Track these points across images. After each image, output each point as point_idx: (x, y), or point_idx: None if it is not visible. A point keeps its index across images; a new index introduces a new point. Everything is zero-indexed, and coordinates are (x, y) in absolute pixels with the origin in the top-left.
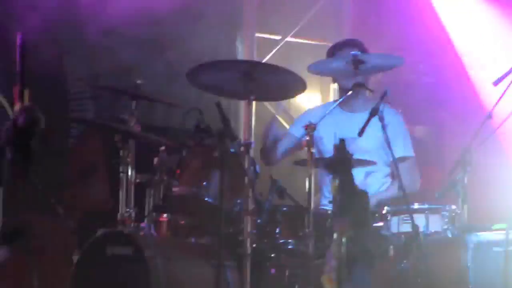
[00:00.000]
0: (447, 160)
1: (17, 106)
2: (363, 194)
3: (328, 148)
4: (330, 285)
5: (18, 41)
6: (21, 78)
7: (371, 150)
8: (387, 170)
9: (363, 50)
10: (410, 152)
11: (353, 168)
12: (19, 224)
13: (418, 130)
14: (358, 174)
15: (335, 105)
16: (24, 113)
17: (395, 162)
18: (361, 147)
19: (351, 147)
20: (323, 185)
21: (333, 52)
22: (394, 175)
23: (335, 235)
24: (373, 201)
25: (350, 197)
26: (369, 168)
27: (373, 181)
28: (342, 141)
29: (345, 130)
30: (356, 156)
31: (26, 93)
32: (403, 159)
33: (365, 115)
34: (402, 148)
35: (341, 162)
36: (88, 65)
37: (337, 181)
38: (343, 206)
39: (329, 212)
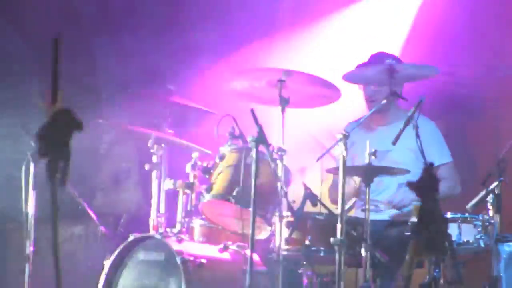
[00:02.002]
0: (480, 170)
1: (52, 108)
2: (444, 220)
3: (361, 159)
4: None
5: (52, 44)
6: (53, 80)
7: (404, 162)
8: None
9: (397, 60)
10: (447, 158)
11: (386, 176)
12: None
13: None
14: (390, 185)
15: (367, 115)
16: (62, 113)
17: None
18: (394, 160)
19: (383, 160)
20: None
21: (374, 60)
22: None
23: (407, 257)
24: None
25: (430, 221)
26: (401, 179)
27: (406, 193)
28: (431, 165)
29: (381, 143)
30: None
31: (60, 95)
32: (439, 167)
33: (399, 126)
34: (438, 157)
35: (427, 186)
36: (121, 70)
37: (419, 203)
38: (421, 230)
39: (362, 220)
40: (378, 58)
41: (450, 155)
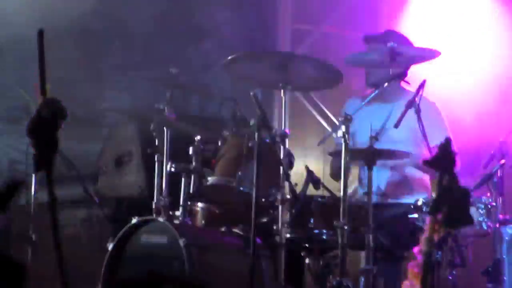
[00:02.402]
0: (483, 153)
1: (40, 99)
2: (465, 193)
3: (363, 140)
4: (416, 279)
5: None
6: (41, 73)
7: (403, 140)
8: (418, 160)
9: (401, 41)
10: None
11: (387, 159)
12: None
13: None
14: (384, 166)
15: (370, 97)
16: (47, 105)
17: (430, 152)
18: (393, 138)
19: (381, 138)
20: (361, 176)
21: (369, 41)
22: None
23: (426, 233)
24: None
25: (449, 194)
26: (398, 160)
27: (407, 171)
28: (447, 140)
29: (380, 121)
30: (387, 146)
31: (48, 87)
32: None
33: (399, 105)
34: (438, 137)
35: (445, 161)
36: (124, 54)
37: (437, 179)
38: (440, 204)
39: (365, 203)
40: (378, 37)
41: (447, 131)
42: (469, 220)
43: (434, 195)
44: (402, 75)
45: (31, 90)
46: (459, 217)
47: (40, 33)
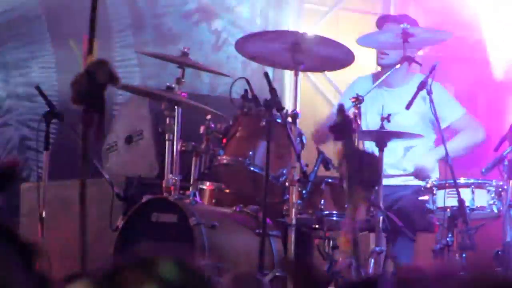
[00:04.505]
0: (493, 135)
1: (90, 58)
2: (371, 155)
3: (370, 123)
4: (347, 246)
5: None
6: (91, 27)
7: (410, 126)
8: (428, 144)
9: (412, 24)
10: (459, 112)
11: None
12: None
13: None
14: (397, 150)
15: (380, 79)
16: (99, 66)
17: (442, 135)
18: (400, 124)
19: (389, 122)
20: None
21: (381, 23)
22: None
23: (348, 199)
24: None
25: (359, 160)
26: (407, 144)
27: (413, 156)
28: (341, 106)
29: (386, 106)
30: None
31: (95, 44)
32: (454, 123)
33: (405, 89)
34: (450, 114)
35: (343, 127)
36: (134, 32)
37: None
38: (352, 171)
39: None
40: (389, 18)
41: (460, 106)
42: (377, 181)
43: (338, 162)
44: (409, 58)
45: (79, 42)
46: (368, 178)
47: None
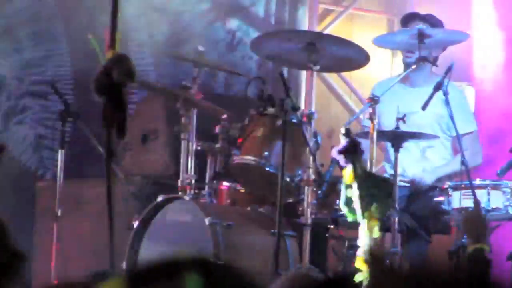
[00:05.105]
0: (510, 136)
1: (109, 53)
2: (386, 180)
3: (388, 122)
4: (363, 266)
5: None
6: (113, 19)
7: (426, 125)
8: (445, 144)
9: (434, 23)
10: (472, 127)
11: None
12: None
13: None
14: (414, 150)
15: (397, 79)
16: (117, 63)
17: (458, 137)
18: (416, 123)
19: (406, 123)
20: (385, 157)
21: (407, 21)
22: (456, 150)
23: (362, 225)
24: (432, 176)
25: (372, 183)
26: (425, 144)
27: (432, 156)
28: (348, 130)
29: (405, 105)
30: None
31: (118, 37)
32: (463, 135)
33: (426, 90)
34: (463, 125)
35: (352, 149)
36: (149, 31)
37: (351, 168)
38: (367, 193)
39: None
40: (409, 19)
41: (475, 124)
42: (391, 206)
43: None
44: (425, 59)
45: (100, 35)
46: (383, 205)
47: None
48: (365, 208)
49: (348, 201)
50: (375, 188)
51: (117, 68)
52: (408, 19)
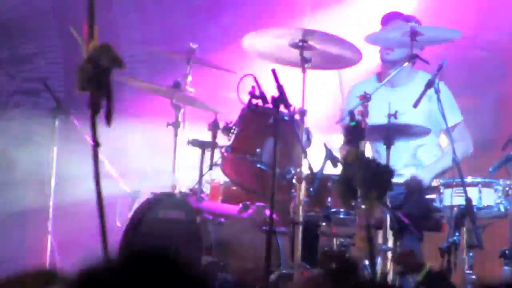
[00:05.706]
0: (501, 135)
1: (92, 44)
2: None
3: (374, 121)
4: (362, 243)
5: None
6: (90, 15)
7: (418, 124)
8: (435, 142)
9: (416, 22)
10: (458, 117)
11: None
12: None
13: None
14: (409, 147)
15: (389, 77)
16: (103, 52)
17: (449, 133)
18: (406, 123)
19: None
20: (374, 154)
21: (387, 20)
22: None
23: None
24: (426, 173)
25: (375, 164)
26: (419, 141)
27: (424, 154)
28: (352, 112)
29: (391, 107)
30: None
31: (96, 30)
32: (453, 128)
33: (407, 89)
34: (451, 116)
35: (356, 132)
36: (141, 28)
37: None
38: (369, 173)
39: None
40: (392, 19)
41: (459, 113)
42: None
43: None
44: (417, 56)
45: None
46: (383, 185)
47: None
48: (365, 187)
49: (347, 181)
50: (377, 168)
51: (105, 56)
52: (388, 18)
